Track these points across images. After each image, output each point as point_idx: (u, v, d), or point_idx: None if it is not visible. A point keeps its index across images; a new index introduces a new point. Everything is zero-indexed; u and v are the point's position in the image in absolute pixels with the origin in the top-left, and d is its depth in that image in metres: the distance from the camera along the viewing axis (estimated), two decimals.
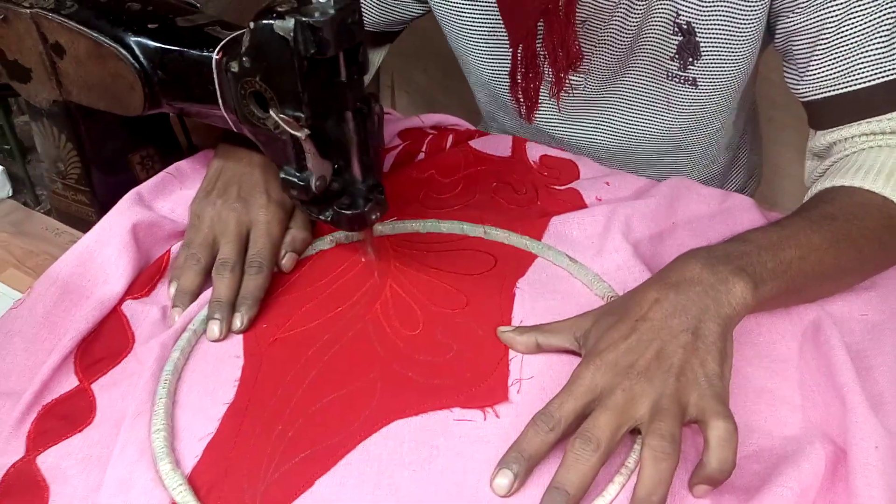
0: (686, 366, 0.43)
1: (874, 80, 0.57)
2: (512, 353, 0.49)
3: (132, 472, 0.42)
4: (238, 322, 0.51)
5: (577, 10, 0.62)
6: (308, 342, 0.50)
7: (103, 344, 0.51)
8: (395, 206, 0.61)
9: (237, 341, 0.50)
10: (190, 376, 0.48)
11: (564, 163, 0.68)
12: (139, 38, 0.52)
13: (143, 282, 0.55)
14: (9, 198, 0.68)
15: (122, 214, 0.56)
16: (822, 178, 0.59)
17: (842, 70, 0.58)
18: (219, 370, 0.48)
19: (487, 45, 0.72)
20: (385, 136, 0.70)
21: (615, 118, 0.74)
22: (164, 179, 0.61)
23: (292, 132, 0.46)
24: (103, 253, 0.54)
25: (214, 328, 0.50)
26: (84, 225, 0.62)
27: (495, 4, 0.65)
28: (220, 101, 0.50)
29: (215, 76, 0.49)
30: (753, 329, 0.52)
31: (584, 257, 0.56)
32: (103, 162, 0.61)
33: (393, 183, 0.65)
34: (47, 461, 0.44)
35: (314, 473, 0.42)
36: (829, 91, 0.59)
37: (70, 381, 0.48)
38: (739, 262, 0.47)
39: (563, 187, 0.65)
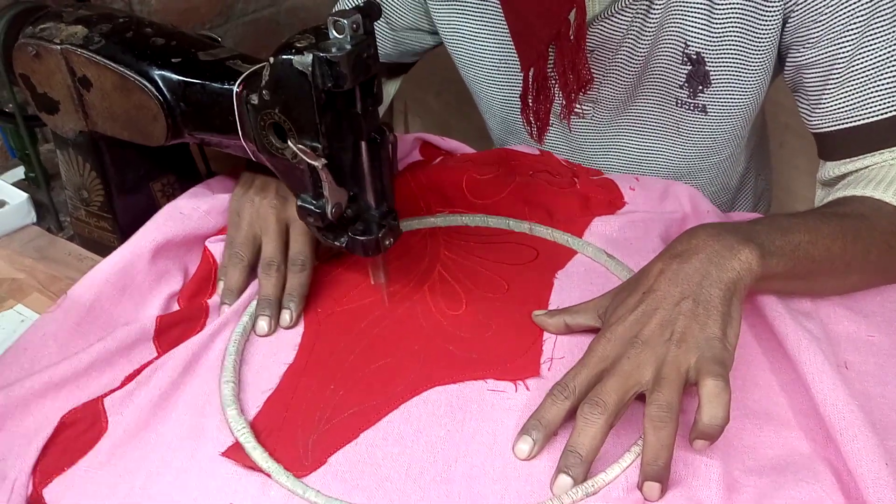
0: (687, 332, 0.45)
1: (886, 112, 0.58)
2: (546, 335, 0.53)
3: (202, 415, 0.48)
4: (287, 317, 0.54)
5: (587, 38, 0.64)
6: (361, 316, 0.56)
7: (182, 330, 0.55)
8: (443, 196, 0.67)
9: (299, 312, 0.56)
10: (256, 339, 0.54)
11: (589, 168, 0.72)
12: (163, 72, 0.54)
13: (203, 281, 0.59)
14: (33, 224, 0.70)
15: (158, 229, 0.58)
16: (835, 191, 0.60)
17: (854, 103, 0.59)
18: (281, 336, 0.54)
19: (499, 71, 0.74)
20: (407, 148, 0.74)
21: (625, 145, 0.75)
22: (195, 192, 0.64)
23: (310, 161, 0.48)
24: (136, 266, 0.56)
25: (263, 324, 0.54)
26: (106, 251, 0.64)
27: (506, 31, 0.67)
28: (240, 132, 0.52)
29: (236, 108, 0.51)
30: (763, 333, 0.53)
31: (622, 255, 0.60)
32: (125, 189, 0.63)
33: (434, 173, 0.69)
34: (112, 405, 0.48)
35: (359, 427, 0.47)
36: (842, 124, 0.60)
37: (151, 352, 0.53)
38: (748, 234, 0.49)
39: (596, 178, 0.69)
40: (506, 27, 0.66)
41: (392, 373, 0.51)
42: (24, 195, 0.69)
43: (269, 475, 0.44)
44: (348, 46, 0.44)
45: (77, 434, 0.47)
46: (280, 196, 0.58)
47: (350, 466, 0.45)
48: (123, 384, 0.50)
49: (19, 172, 0.75)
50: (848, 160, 0.61)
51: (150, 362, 0.51)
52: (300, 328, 0.55)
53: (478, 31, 0.72)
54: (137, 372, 0.51)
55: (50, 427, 0.46)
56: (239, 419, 0.47)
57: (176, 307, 0.57)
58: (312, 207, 0.51)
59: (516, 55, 0.67)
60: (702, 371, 0.43)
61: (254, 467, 0.44)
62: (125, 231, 0.62)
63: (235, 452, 0.45)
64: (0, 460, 0.45)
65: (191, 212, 0.61)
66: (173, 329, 0.54)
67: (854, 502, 0.42)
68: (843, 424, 0.44)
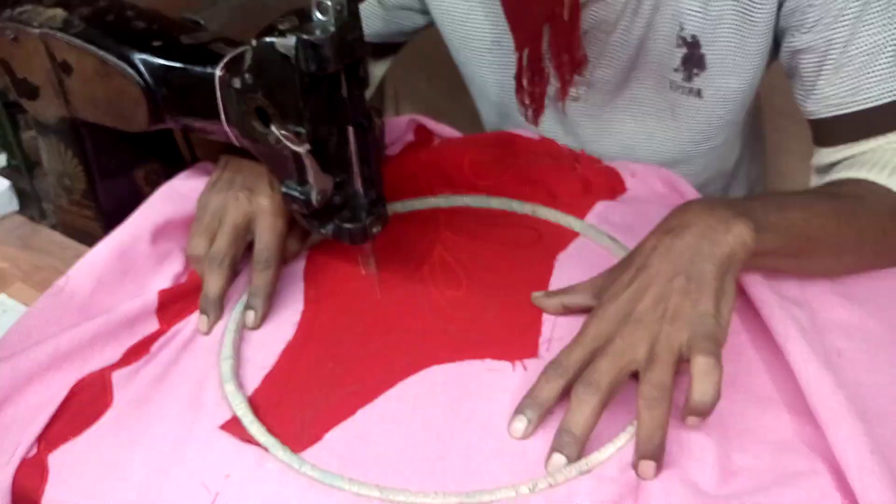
0: (679, 309, 0.45)
1: (881, 100, 0.57)
2: (545, 316, 0.53)
3: (202, 390, 0.48)
4: (252, 317, 0.53)
5: (582, 18, 0.62)
6: (361, 295, 0.56)
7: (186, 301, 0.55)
8: (445, 176, 0.66)
9: (299, 290, 0.56)
10: None
11: (590, 156, 0.72)
12: (144, 56, 0.53)
13: None
14: (16, 212, 0.69)
15: (157, 211, 0.58)
16: (831, 175, 0.60)
17: (849, 90, 0.58)
18: (281, 313, 0.54)
19: (492, 53, 0.73)
20: (402, 129, 0.73)
21: (620, 129, 0.75)
22: (191, 173, 0.62)
23: (293, 147, 0.47)
24: (137, 248, 0.56)
25: (202, 323, 0.53)
26: (90, 239, 0.63)
27: (499, 11, 0.66)
28: (222, 117, 0.51)
29: (218, 92, 0.50)
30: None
31: (624, 238, 0.60)
32: (108, 177, 0.61)
33: (436, 153, 0.68)
34: (119, 380, 0.50)
35: (356, 405, 0.47)
36: (837, 110, 0.59)
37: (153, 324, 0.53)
38: (742, 208, 0.48)
39: (597, 165, 0.69)
40: (499, 6, 0.65)
41: (390, 352, 0.51)
42: (7, 183, 0.68)
43: (266, 449, 0.44)
44: (332, 29, 0.43)
45: (83, 405, 0.48)
46: (246, 188, 0.56)
47: (346, 442, 0.45)
48: (126, 356, 0.50)
49: (1, 160, 0.74)
50: (843, 146, 0.60)
51: (152, 335, 0.52)
52: (299, 307, 0.55)
53: (470, 10, 0.71)
54: (140, 344, 0.51)
55: (58, 397, 0.47)
56: (237, 395, 0.47)
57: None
58: (297, 194, 0.50)
59: (509, 36, 0.66)
60: (693, 348, 0.43)
61: (251, 441, 0.45)
62: (109, 219, 0.61)
63: (233, 426, 0.46)
64: (4, 429, 0.46)
65: (188, 192, 0.60)
66: (175, 303, 0.54)
67: (847, 492, 0.42)
68: (829, 415, 0.44)
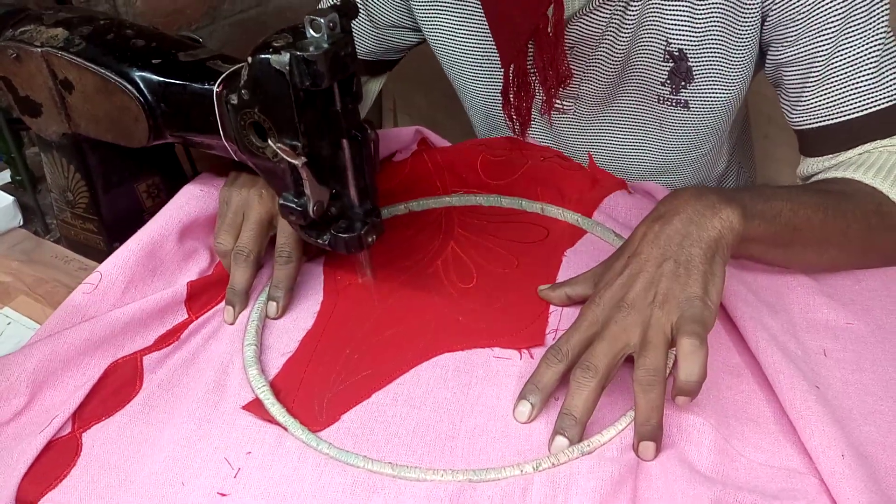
0: (669, 293, 0.46)
1: (865, 110, 0.58)
2: (553, 308, 0.56)
3: (226, 374, 0.51)
4: (273, 309, 0.55)
5: (566, 35, 0.64)
6: (377, 287, 0.58)
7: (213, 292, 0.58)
8: (458, 176, 0.69)
9: (319, 282, 0.59)
10: None
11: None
12: (143, 73, 0.54)
13: None
14: (20, 227, 0.70)
15: (181, 209, 0.59)
16: (818, 177, 0.61)
17: (833, 101, 0.59)
18: (302, 303, 0.58)
19: (481, 67, 0.74)
20: (408, 139, 0.75)
21: (608, 141, 0.76)
22: (208, 176, 0.64)
23: (290, 160, 0.48)
24: (164, 247, 0.58)
25: (228, 314, 0.55)
26: (93, 252, 0.64)
27: (487, 28, 0.67)
28: (220, 132, 0.53)
29: (216, 108, 0.51)
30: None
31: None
32: (110, 191, 0.63)
33: (449, 154, 0.71)
34: (150, 364, 0.52)
35: (372, 388, 0.50)
36: (822, 121, 0.61)
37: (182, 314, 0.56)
38: (731, 195, 0.50)
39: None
40: (486, 22, 0.66)
41: (404, 340, 0.53)
42: (11, 198, 0.69)
43: (285, 428, 0.46)
44: (325, 45, 0.44)
45: (116, 388, 0.50)
46: (268, 186, 0.58)
47: (361, 424, 0.48)
48: (157, 342, 0.53)
49: (6, 176, 0.75)
50: (828, 156, 0.61)
51: (181, 323, 0.55)
52: (319, 297, 0.58)
53: (459, 26, 0.72)
54: (170, 332, 0.54)
55: (91, 380, 0.50)
56: (259, 378, 0.50)
57: None
58: (294, 206, 0.51)
59: (496, 51, 0.67)
60: (680, 330, 0.45)
61: (271, 421, 0.47)
62: (111, 232, 0.63)
63: (255, 407, 0.48)
64: (44, 411, 0.49)
65: (210, 190, 0.62)
66: (203, 294, 0.57)
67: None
68: (802, 423, 0.45)
